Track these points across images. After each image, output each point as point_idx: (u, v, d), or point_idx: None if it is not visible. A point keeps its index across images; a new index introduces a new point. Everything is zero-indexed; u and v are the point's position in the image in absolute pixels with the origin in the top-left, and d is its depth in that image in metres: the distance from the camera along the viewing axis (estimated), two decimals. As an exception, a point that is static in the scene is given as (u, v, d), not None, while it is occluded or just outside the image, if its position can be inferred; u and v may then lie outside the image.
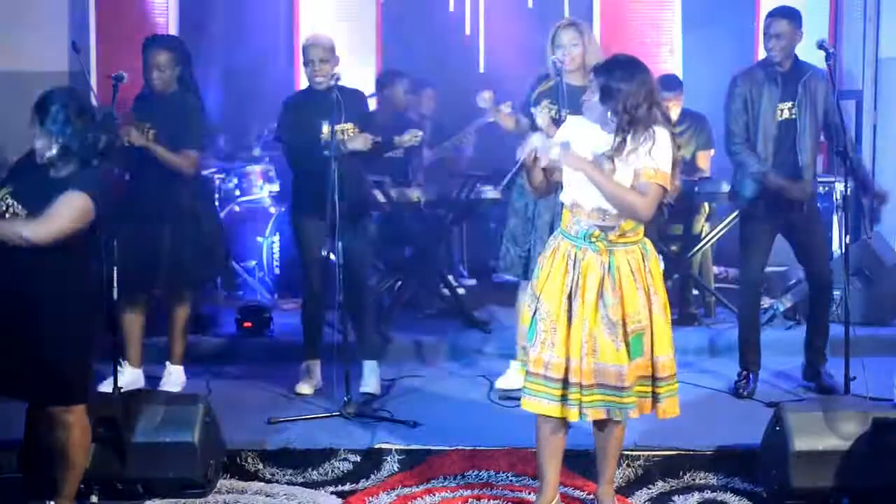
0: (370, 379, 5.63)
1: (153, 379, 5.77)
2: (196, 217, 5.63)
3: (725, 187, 6.70)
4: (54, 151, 3.93)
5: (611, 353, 3.94)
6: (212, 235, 5.75)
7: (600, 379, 3.94)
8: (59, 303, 3.95)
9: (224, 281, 7.45)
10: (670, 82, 7.04)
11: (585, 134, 4.01)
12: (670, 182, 3.95)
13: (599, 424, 4.12)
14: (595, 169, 3.92)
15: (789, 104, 5.45)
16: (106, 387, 5.44)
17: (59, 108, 3.92)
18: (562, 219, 4.13)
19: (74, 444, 4.08)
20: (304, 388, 5.70)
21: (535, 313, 4.01)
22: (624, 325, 3.96)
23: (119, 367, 5.61)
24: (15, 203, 3.92)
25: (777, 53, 5.44)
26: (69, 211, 3.90)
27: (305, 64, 5.59)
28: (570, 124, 4.14)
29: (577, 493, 4.50)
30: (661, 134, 3.92)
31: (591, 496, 4.45)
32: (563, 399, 3.95)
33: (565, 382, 3.94)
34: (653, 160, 3.89)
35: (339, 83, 5.40)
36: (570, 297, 3.96)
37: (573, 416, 3.97)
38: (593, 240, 3.97)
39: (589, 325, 3.93)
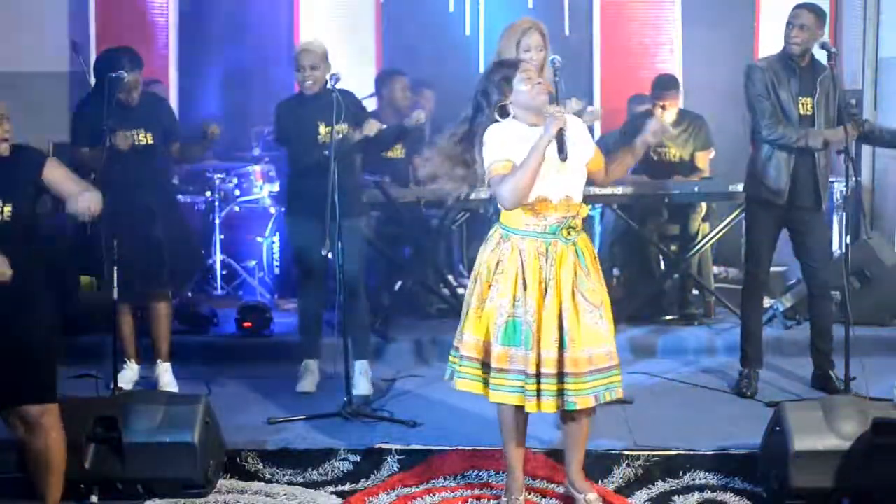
0: (360, 380, 5.60)
1: (145, 379, 5.78)
2: (167, 220, 5.63)
3: (724, 187, 6.71)
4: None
5: (598, 337, 4.05)
6: (180, 239, 5.74)
7: (593, 366, 4.03)
8: (33, 298, 3.93)
9: (223, 280, 7.45)
10: (668, 82, 7.04)
11: (521, 134, 4.09)
12: None
13: (567, 416, 4.19)
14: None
15: (809, 100, 5.45)
16: (126, 383, 5.45)
17: None
18: (507, 218, 4.13)
19: (52, 448, 4.05)
20: (306, 386, 5.70)
21: (512, 315, 4.04)
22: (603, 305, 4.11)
23: (124, 365, 5.63)
24: None
25: (797, 45, 5.43)
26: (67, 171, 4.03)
27: (297, 70, 5.62)
28: (506, 128, 4.11)
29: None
30: None
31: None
32: (538, 393, 4.02)
33: (538, 376, 4.01)
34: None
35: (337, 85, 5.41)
36: (545, 292, 4.04)
37: (550, 407, 4.03)
38: (565, 234, 4.06)
39: (570, 317, 4.01)
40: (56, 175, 3.98)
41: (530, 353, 4.00)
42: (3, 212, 3.87)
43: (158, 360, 5.73)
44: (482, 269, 4.14)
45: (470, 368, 4.14)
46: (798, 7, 5.51)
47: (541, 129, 4.02)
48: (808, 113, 5.46)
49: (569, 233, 4.07)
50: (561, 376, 4.02)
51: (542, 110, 4.04)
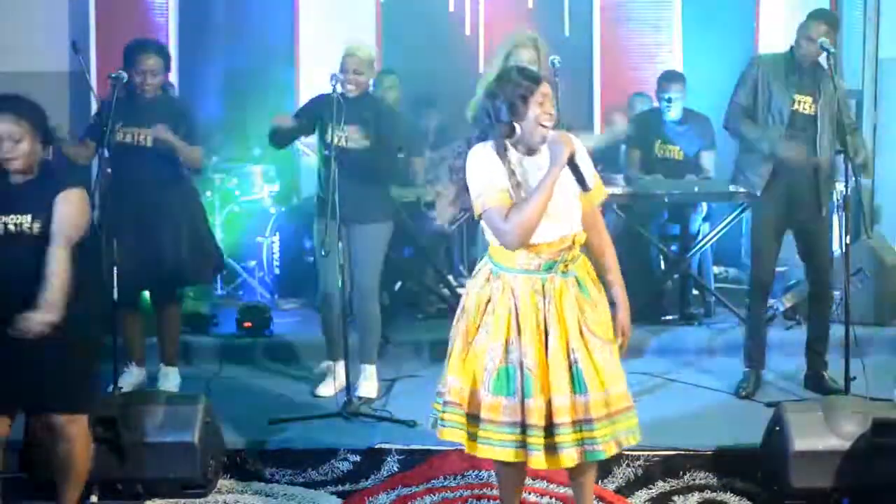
0: (366, 383, 5.60)
1: (151, 379, 5.78)
2: (186, 217, 5.62)
3: (725, 187, 6.71)
4: (42, 157, 3.93)
5: (612, 376, 3.64)
6: (202, 235, 5.73)
7: (612, 407, 3.63)
8: (70, 307, 3.87)
9: (222, 280, 7.45)
10: (671, 75, 7.16)
11: (514, 161, 3.65)
12: None
13: (574, 469, 3.74)
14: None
15: (808, 99, 5.42)
16: (126, 387, 5.44)
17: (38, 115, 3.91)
18: (498, 254, 3.69)
19: (77, 457, 4.06)
20: (325, 391, 5.63)
21: (505, 362, 3.60)
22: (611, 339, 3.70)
23: (126, 368, 5.63)
24: (16, 217, 3.87)
25: (805, 57, 5.40)
26: (78, 208, 3.89)
27: (341, 71, 5.45)
28: (490, 153, 3.64)
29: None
30: None
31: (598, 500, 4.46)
32: (550, 447, 3.59)
33: (551, 428, 3.58)
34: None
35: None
36: (546, 333, 3.61)
37: (571, 461, 3.59)
38: (562, 268, 3.64)
39: (583, 358, 3.59)
40: (57, 211, 3.86)
41: (531, 402, 3.56)
42: (32, 228, 3.86)
43: (162, 364, 5.74)
44: (470, 305, 3.70)
45: (454, 415, 3.67)
46: (811, 17, 5.42)
47: (535, 158, 3.63)
48: (808, 112, 5.43)
49: (567, 267, 3.64)
50: (578, 424, 3.57)
51: (546, 137, 3.56)
